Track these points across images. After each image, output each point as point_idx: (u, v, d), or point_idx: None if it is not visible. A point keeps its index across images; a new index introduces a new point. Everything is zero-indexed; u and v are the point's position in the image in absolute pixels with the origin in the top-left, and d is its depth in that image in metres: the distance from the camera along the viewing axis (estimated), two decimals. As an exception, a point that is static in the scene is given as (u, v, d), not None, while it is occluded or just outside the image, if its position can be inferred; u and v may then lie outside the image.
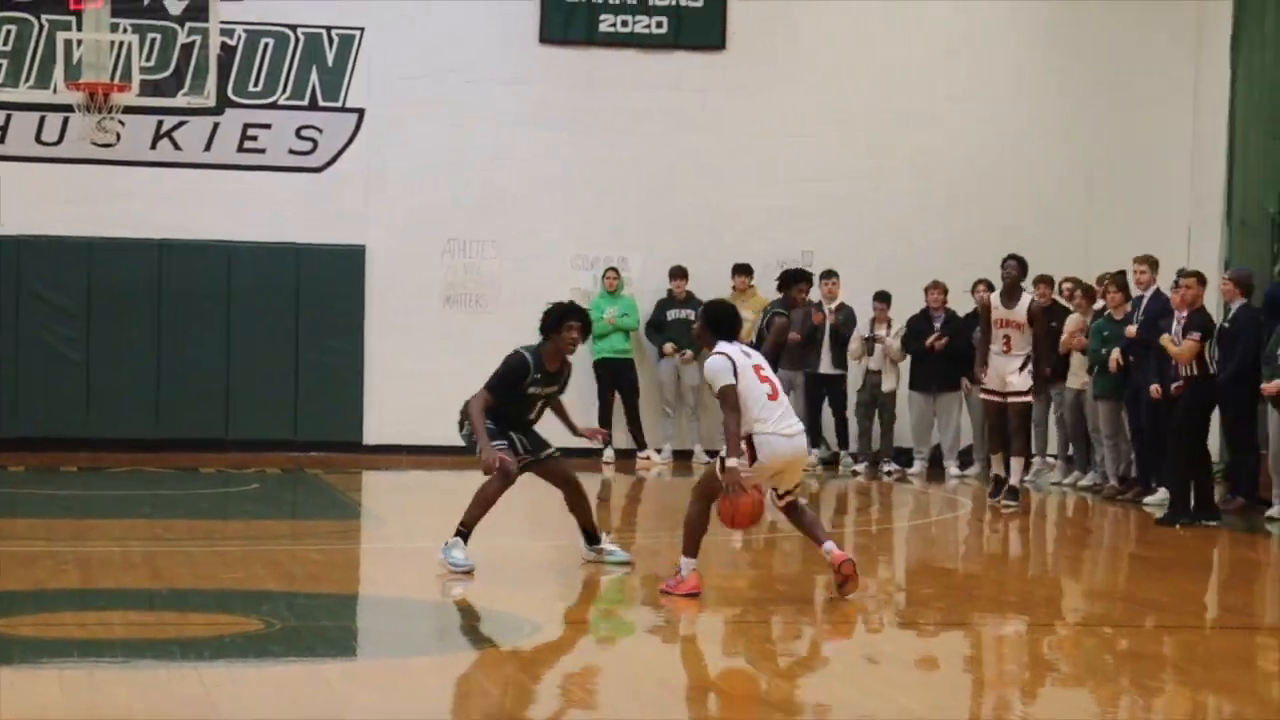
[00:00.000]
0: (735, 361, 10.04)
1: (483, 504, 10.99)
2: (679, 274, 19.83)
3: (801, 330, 18.79)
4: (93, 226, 19.24)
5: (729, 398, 9.95)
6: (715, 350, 10.13)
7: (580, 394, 19.83)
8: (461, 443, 11.21)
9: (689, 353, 19.21)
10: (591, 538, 11.43)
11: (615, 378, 19.78)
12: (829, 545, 10.27)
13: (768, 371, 10.21)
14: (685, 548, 10.19)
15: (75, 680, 7.79)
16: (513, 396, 10.96)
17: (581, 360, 19.86)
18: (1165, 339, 14.99)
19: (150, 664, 8.22)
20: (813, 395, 19.45)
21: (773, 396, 10.08)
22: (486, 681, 8.20)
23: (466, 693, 8.04)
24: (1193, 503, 14.62)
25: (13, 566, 11.01)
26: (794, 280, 15.48)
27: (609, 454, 19.60)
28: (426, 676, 8.30)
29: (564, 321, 11.01)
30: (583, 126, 20.12)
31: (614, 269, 19.91)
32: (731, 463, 9.94)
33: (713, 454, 19.67)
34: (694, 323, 10.74)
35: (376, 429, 19.70)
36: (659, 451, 19.87)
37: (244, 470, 18.05)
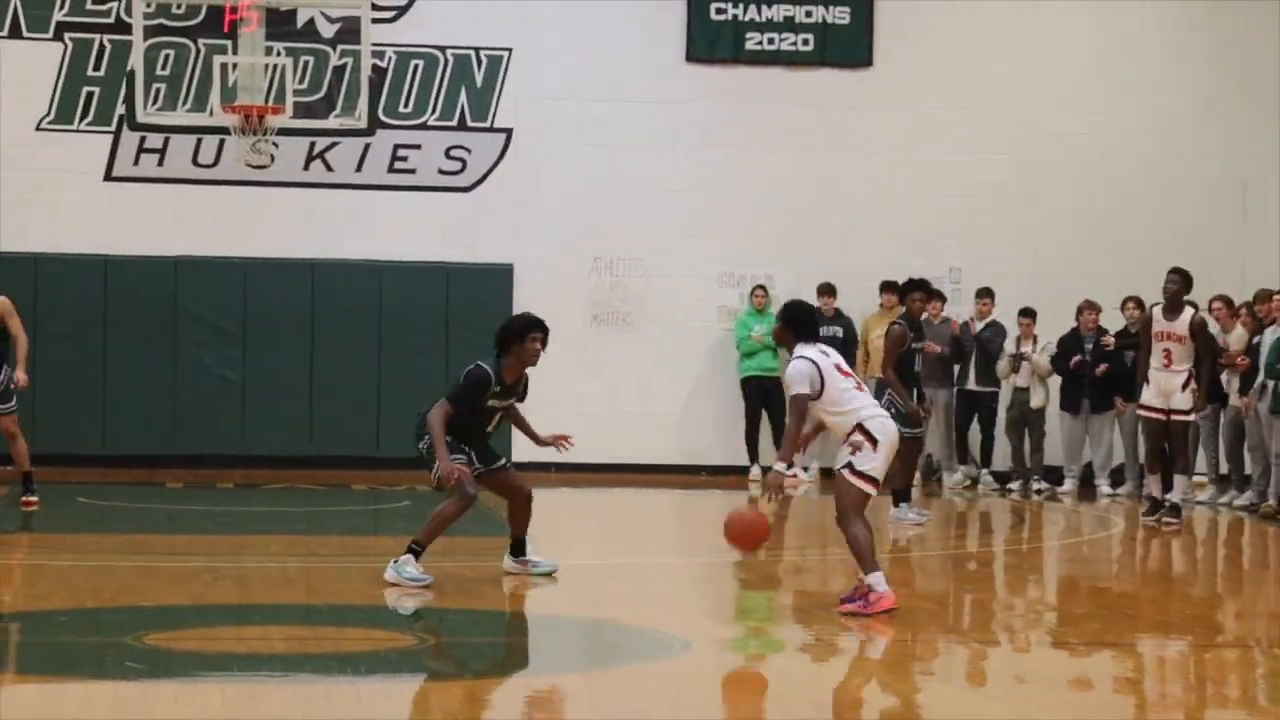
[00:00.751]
0: (818, 364, 10.15)
1: (440, 524, 11.13)
2: (826, 291, 19.77)
3: (944, 344, 18.75)
4: (247, 247, 19.59)
5: (798, 405, 10.11)
6: (796, 354, 10.21)
7: (729, 410, 19.91)
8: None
9: None
10: (519, 548, 11.48)
11: (763, 395, 19.75)
12: (878, 575, 10.16)
13: (846, 368, 10.33)
14: (864, 566, 10.09)
15: (236, 694, 7.92)
16: (473, 409, 11.02)
17: (729, 377, 19.95)
18: None
19: (309, 678, 8.33)
20: (962, 413, 19.36)
21: (859, 389, 10.25)
22: (638, 699, 8.23)
23: (619, 710, 8.07)
24: None
25: (172, 581, 11.22)
26: (909, 289, 15.42)
27: (755, 472, 19.58)
28: (580, 694, 8.36)
29: (528, 333, 11.09)
30: (729, 144, 20.17)
31: (761, 286, 19.90)
32: (779, 467, 10.26)
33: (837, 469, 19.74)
34: (775, 324, 10.85)
35: (525, 446, 19.66)
36: (805, 469, 19.82)
37: (395, 487, 18.23)
